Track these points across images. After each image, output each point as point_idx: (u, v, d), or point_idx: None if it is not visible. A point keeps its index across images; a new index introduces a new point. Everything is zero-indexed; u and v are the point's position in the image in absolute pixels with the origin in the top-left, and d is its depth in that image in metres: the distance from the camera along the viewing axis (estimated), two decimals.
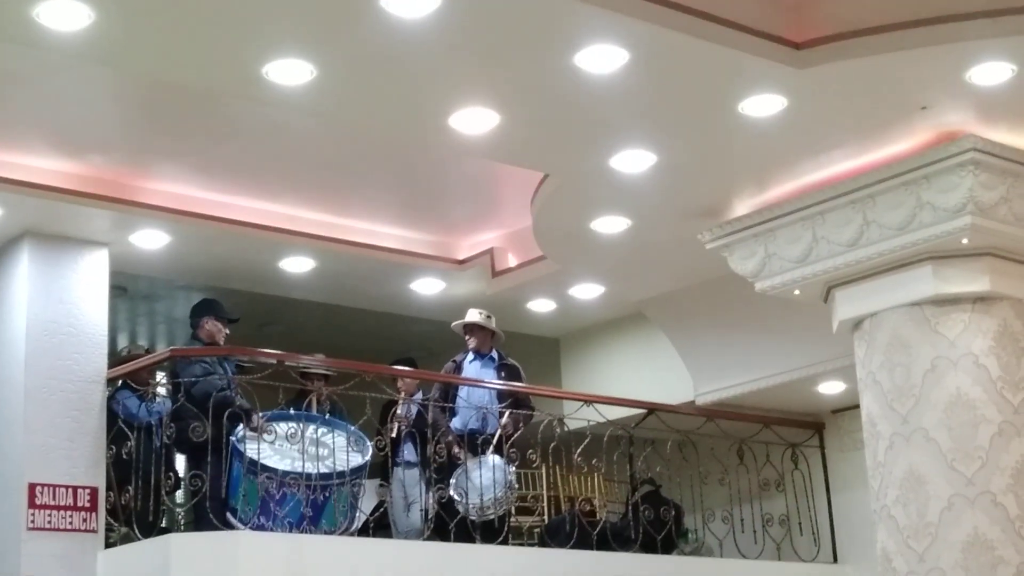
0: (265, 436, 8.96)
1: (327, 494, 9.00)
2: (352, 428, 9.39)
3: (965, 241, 7.95)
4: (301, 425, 9.11)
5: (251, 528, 8.72)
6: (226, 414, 8.89)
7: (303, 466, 8.95)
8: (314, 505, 8.93)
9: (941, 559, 7.86)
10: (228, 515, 8.81)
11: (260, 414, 9.05)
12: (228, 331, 9.77)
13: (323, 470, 9.00)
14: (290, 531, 8.83)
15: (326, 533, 8.95)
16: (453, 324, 10.60)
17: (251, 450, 8.89)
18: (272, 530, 8.79)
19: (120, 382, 9.42)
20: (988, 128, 7.73)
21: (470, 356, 10.49)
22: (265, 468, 8.85)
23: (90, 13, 6.29)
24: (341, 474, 9.09)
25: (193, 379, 9.05)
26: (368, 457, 9.35)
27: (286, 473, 8.87)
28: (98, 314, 9.33)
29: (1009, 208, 7.92)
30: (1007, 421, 7.95)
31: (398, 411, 10.19)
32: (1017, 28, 6.80)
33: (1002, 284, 8.13)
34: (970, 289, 8.11)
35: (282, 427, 9.12)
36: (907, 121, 7.70)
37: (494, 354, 10.53)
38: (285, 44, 6.71)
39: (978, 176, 7.76)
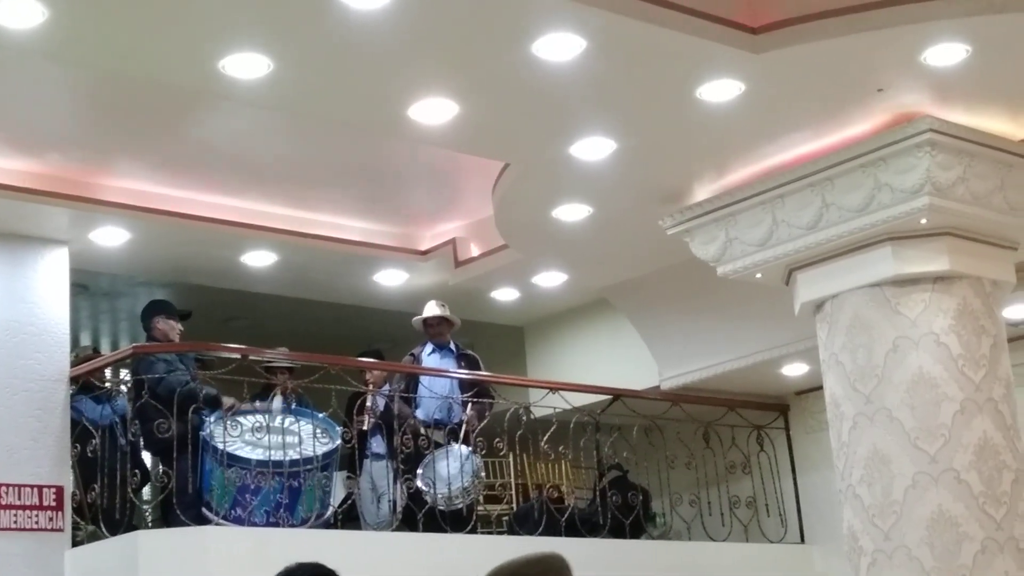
0: (233, 427, 8.96)
1: (300, 480, 9.02)
2: (320, 416, 9.40)
3: (924, 221, 8.00)
4: (267, 417, 9.12)
5: (228, 520, 8.73)
6: (193, 407, 8.90)
7: (274, 454, 8.96)
8: (290, 492, 8.94)
9: (906, 537, 7.92)
10: (203, 509, 8.80)
11: (231, 400, 9.09)
12: (181, 327, 9.76)
13: (294, 457, 9.02)
14: (267, 519, 8.84)
15: (304, 519, 8.97)
16: (415, 320, 10.61)
17: (221, 443, 8.89)
18: (248, 520, 8.79)
19: (79, 384, 9.35)
20: (944, 109, 7.78)
21: (428, 348, 10.51)
22: (237, 459, 8.86)
23: (43, 10, 6.25)
24: (310, 459, 9.11)
25: (157, 376, 9.03)
26: (338, 442, 9.37)
27: (259, 463, 8.88)
28: (59, 313, 9.29)
29: (967, 188, 7.98)
30: (969, 399, 8.02)
31: (367, 403, 10.20)
32: (970, 9, 6.85)
33: (961, 263, 8.19)
34: (930, 269, 8.16)
35: (248, 420, 9.12)
36: (864, 103, 7.74)
37: (452, 345, 10.56)
38: (241, 38, 6.69)
39: (935, 157, 7.82)
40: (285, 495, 8.90)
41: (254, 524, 8.81)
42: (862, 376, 8.23)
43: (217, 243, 9.93)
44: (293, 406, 9.50)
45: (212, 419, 9.02)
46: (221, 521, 8.75)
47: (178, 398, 8.88)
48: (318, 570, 3.77)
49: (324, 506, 9.21)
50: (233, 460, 8.87)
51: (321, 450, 9.21)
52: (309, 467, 9.09)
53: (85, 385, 9.38)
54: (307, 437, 9.17)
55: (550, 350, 12.27)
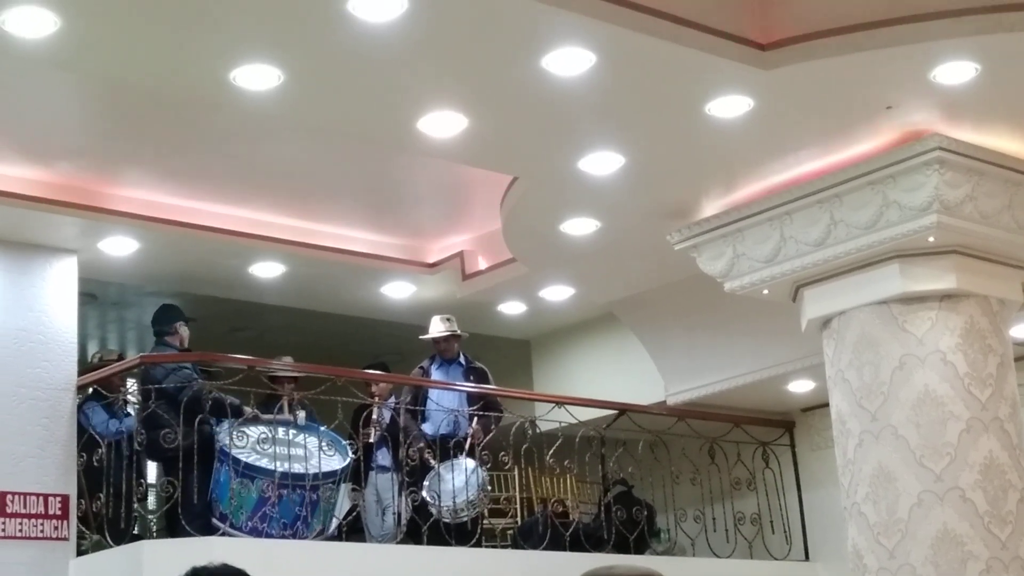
0: (239, 438, 8.96)
1: (318, 494, 9.03)
2: (323, 429, 9.40)
3: (931, 239, 8.00)
4: (272, 429, 9.12)
5: (243, 532, 8.72)
6: (200, 417, 8.91)
7: (296, 467, 8.97)
8: (309, 505, 8.95)
9: (911, 555, 7.91)
10: (214, 520, 8.79)
11: (250, 408, 9.11)
12: None
13: (313, 470, 9.02)
14: (284, 531, 8.85)
15: (315, 532, 8.99)
16: (422, 338, 10.61)
17: (243, 454, 8.88)
18: (265, 533, 8.79)
19: (90, 390, 9.37)
20: (953, 127, 7.78)
21: (437, 362, 10.52)
22: (259, 471, 8.85)
23: (56, 19, 6.27)
24: (332, 473, 9.13)
25: (179, 385, 9.04)
26: (352, 455, 9.39)
27: (284, 475, 8.88)
28: (68, 321, 9.31)
29: (975, 206, 7.98)
30: (975, 417, 8.01)
31: (373, 415, 10.20)
32: (980, 28, 6.85)
33: (968, 282, 8.19)
34: (937, 287, 8.16)
35: (253, 431, 9.12)
36: (873, 121, 7.74)
37: (461, 358, 10.56)
38: (252, 49, 6.71)
39: (943, 175, 7.82)
40: (304, 508, 8.90)
41: (270, 536, 8.81)
42: (868, 393, 8.22)
43: (225, 253, 9.95)
44: (296, 420, 9.49)
45: (223, 429, 9.00)
46: (230, 530, 8.74)
47: (194, 406, 8.89)
48: (227, 571, 3.69)
49: (330, 519, 9.21)
50: (254, 471, 8.86)
51: (341, 464, 9.22)
52: (329, 480, 9.10)
53: (97, 393, 9.40)
54: (314, 450, 9.16)
55: (556, 364, 12.26)
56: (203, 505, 8.85)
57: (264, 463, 8.93)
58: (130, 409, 9.68)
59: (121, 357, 10.30)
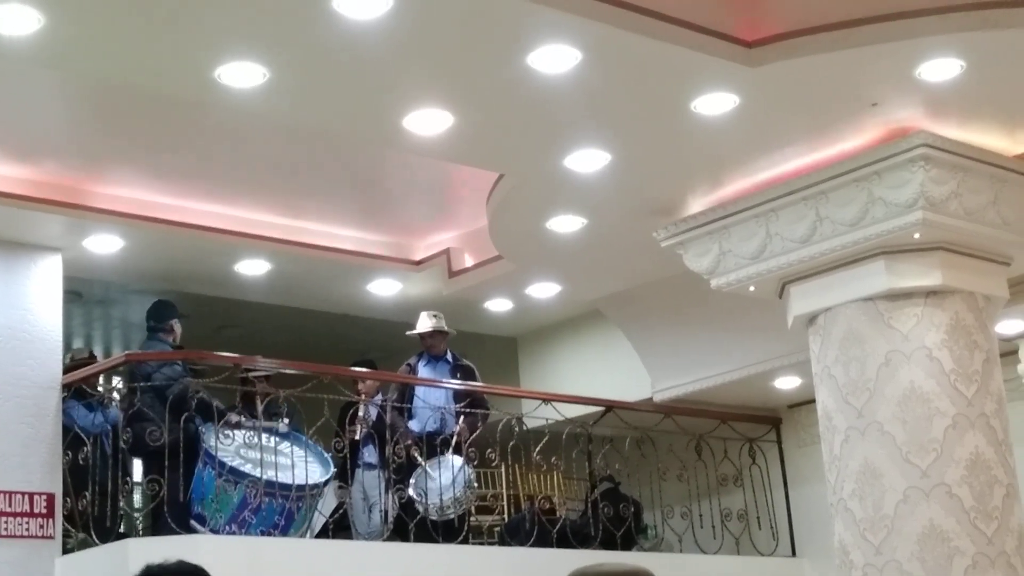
0: (232, 439, 8.92)
1: (299, 504, 9.00)
2: (303, 437, 9.37)
3: (917, 236, 8.02)
4: (256, 434, 9.08)
5: (219, 535, 8.69)
6: (185, 416, 8.88)
7: (281, 476, 8.94)
8: (287, 515, 8.92)
9: (897, 551, 7.92)
10: (192, 521, 8.75)
11: (236, 414, 9.09)
12: None
13: (299, 481, 8.99)
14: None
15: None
16: (409, 333, 10.60)
17: (228, 457, 8.85)
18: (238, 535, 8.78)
19: (71, 390, 9.34)
20: (938, 124, 7.80)
21: (424, 359, 10.52)
22: (243, 476, 8.82)
23: (40, 17, 6.24)
24: (315, 486, 9.11)
25: (166, 382, 9.02)
26: (333, 469, 9.38)
27: (268, 483, 8.84)
28: (52, 320, 9.28)
29: (960, 203, 7.99)
30: (961, 413, 8.02)
31: (359, 413, 10.19)
32: (965, 24, 6.86)
33: (954, 278, 8.20)
34: (922, 283, 8.17)
35: (239, 434, 9.09)
36: (858, 118, 7.75)
37: (448, 356, 10.56)
38: (237, 47, 6.69)
39: (929, 171, 7.83)
40: (282, 518, 8.87)
41: None
42: (854, 390, 8.24)
43: (211, 251, 9.93)
44: (278, 420, 9.45)
45: (208, 429, 8.97)
46: (204, 531, 8.70)
47: (180, 403, 8.85)
48: (182, 568, 3.64)
49: (308, 529, 9.19)
50: (238, 476, 8.84)
51: (322, 478, 9.20)
52: (312, 491, 9.07)
53: (77, 391, 9.37)
54: (297, 460, 9.13)
55: (543, 361, 12.26)
56: (188, 504, 8.82)
57: (248, 468, 8.91)
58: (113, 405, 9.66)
59: (92, 355, 10.27)
